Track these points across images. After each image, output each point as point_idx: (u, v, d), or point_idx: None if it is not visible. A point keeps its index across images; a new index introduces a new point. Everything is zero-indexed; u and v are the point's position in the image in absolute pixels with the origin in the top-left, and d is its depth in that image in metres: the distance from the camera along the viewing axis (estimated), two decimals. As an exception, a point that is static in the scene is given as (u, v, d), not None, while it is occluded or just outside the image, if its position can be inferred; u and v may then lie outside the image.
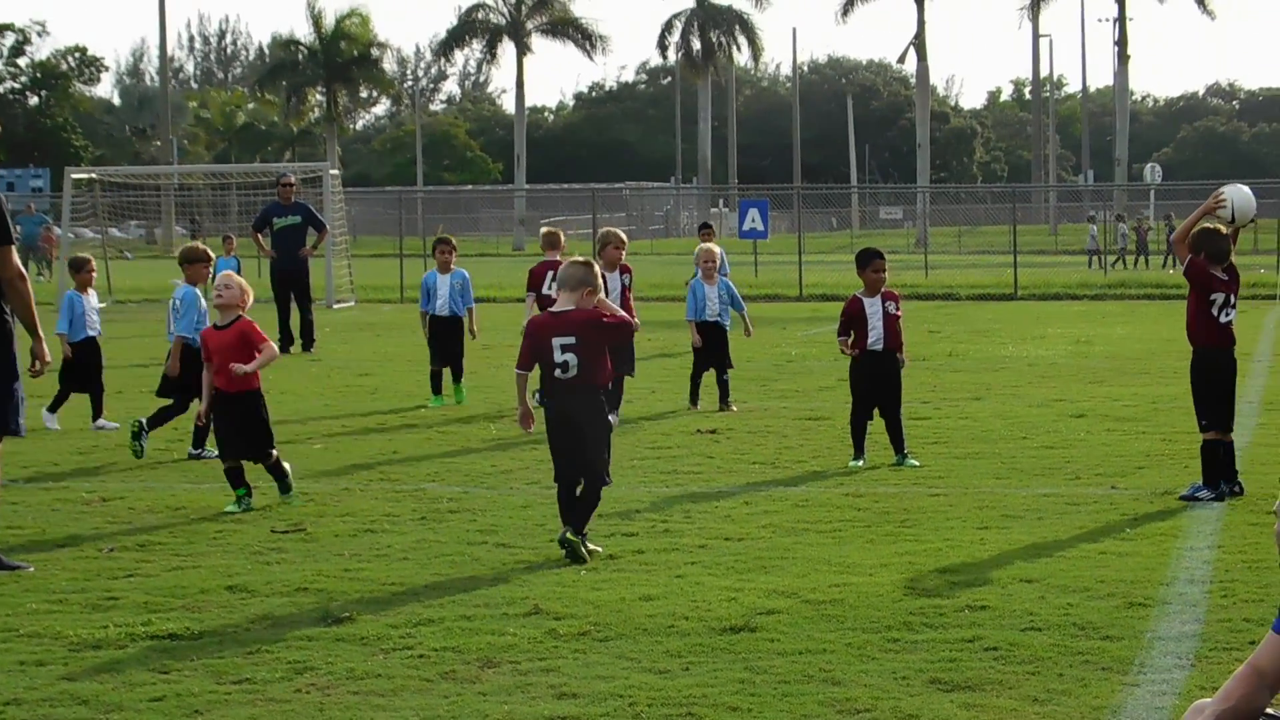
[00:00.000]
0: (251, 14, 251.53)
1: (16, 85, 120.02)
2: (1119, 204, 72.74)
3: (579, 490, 10.40)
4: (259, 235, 28.01)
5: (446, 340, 18.95)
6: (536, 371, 10.52)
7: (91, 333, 17.27)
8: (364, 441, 15.98)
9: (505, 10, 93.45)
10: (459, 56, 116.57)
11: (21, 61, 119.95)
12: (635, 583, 9.49)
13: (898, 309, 14.28)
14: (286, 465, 12.51)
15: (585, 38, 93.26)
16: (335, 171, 45.08)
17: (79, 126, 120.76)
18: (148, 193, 58.11)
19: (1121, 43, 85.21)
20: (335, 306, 38.62)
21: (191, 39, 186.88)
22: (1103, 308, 37.11)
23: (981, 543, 10.57)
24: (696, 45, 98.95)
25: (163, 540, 11.03)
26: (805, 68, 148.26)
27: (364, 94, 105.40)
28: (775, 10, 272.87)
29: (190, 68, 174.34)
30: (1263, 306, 34.63)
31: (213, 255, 15.74)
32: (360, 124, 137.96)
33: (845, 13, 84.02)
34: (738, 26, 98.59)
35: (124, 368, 22.12)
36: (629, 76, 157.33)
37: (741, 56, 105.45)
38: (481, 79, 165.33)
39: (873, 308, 14.15)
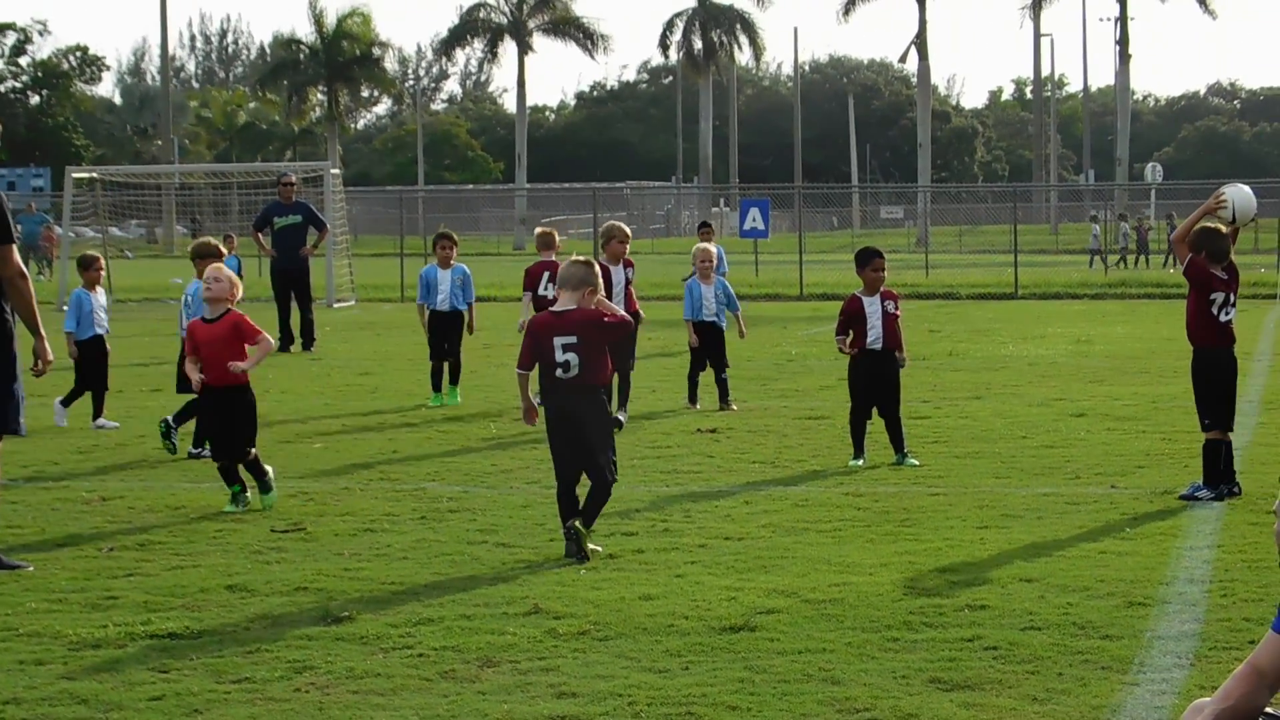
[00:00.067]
0: (253, 13, 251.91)
1: (18, 84, 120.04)
2: (1120, 203, 72.74)
3: (587, 489, 10.41)
4: (259, 234, 28.01)
5: (447, 335, 18.97)
6: (536, 372, 10.53)
7: (99, 331, 17.29)
8: (364, 440, 15.98)
9: (507, 9, 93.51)
10: (460, 56, 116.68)
11: (23, 61, 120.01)
12: (635, 582, 9.50)
13: (897, 308, 14.28)
14: (268, 467, 12.38)
15: (587, 37, 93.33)
16: (336, 171, 45.09)
17: (80, 126, 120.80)
18: (148, 192, 58.14)
19: (1123, 42, 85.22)
20: (336, 306, 38.63)
21: (193, 38, 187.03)
22: (1103, 307, 37.11)
23: (981, 542, 10.57)
24: (698, 44, 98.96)
25: (162, 539, 11.03)
26: (806, 67, 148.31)
27: (365, 93, 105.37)
28: (776, 9, 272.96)
29: (191, 67, 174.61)
30: (1263, 306, 34.63)
31: (225, 251, 15.73)
32: (361, 123, 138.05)
33: (846, 12, 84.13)
34: (739, 26, 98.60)
35: (124, 367, 22.09)
36: (630, 76, 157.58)
37: (743, 56, 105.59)
38: (483, 78, 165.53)
39: (872, 307, 14.15)
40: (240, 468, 12.23)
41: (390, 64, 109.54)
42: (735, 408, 17.99)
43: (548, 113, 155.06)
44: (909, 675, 7.50)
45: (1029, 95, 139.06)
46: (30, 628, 8.58)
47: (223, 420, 12.26)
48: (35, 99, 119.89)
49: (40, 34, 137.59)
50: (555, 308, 10.54)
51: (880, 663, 7.72)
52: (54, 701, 7.30)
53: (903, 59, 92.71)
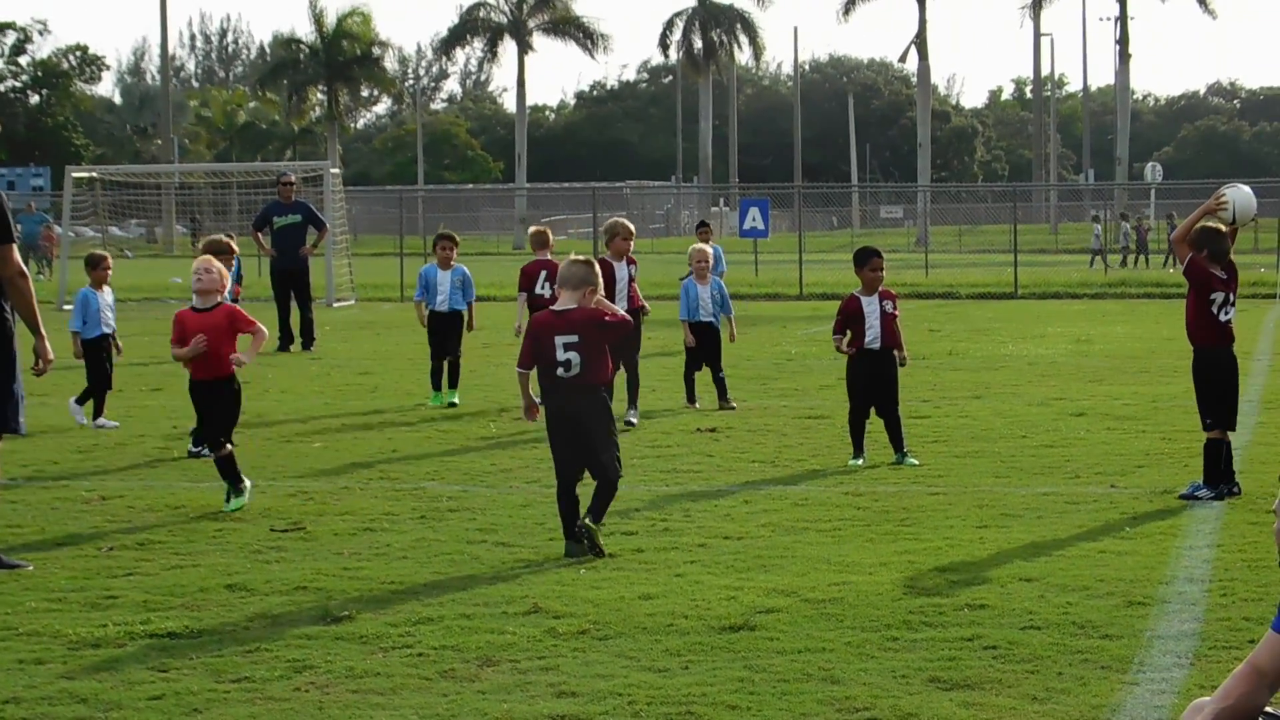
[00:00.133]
0: (253, 13, 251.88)
1: (17, 84, 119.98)
2: (1120, 203, 72.75)
3: (588, 488, 10.41)
4: (259, 234, 28.00)
5: (447, 336, 18.95)
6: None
7: (106, 330, 17.30)
8: (363, 440, 15.98)
9: (507, 9, 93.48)
10: (460, 55, 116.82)
11: (23, 60, 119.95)
12: (635, 581, 9.49)
13: (895, 308, 14.27)
14: (246, 483, 12.09)
15: (586, 36, 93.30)
16: (336, 170, 45.09)
17: (80, 125, 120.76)
18: (148, 191, 58.16)
19: (1123, 42, 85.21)
20: (335, 305, 38.63)
21: (193, 37, 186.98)
22: (1102, 306, 37.11)
23: (981, 541, 10.57)
24: (698, 44, 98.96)
25: (162, 539, 11.03)
26: (806, 67, 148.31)
27: (365, 93, 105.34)
28: (776, 9, 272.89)
29: (191, 66, 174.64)
30: (1263, 306, 34.63)
31: (236, 249, 15.69)
32: (361, 123, 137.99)
33: (846, 12, 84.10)
34: (739, 25, 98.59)
35: (124, 366, 22.04)
36: (630, 75, 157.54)
37: (743, 55, 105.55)
38: (482, 78, 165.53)
39: (870, 306, 14.15)
40: (237, 459, 12.16)
41: (390, 63, 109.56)
42: (735, 405, 18.00)
43: (548, 112, 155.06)
44: (908, 674, 7.50)
45: (1029, 95, 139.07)
46: (30, 627, 8.58)
47: (204, 411, 12.16)
48: (35, 98, 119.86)
49: (40, 33, 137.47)
50: (556, 307, 10.54)
51: (880, 662, 7.72)
52: (53, 701, 7.30)
53: (902, 58, 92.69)
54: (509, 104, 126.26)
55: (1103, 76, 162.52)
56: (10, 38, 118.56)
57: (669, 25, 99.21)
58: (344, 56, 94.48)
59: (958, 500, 12.18)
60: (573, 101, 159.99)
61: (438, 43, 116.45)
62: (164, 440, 15.70)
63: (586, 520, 10.25)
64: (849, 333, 14.20)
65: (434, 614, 8.75)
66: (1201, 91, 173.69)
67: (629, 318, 11.10)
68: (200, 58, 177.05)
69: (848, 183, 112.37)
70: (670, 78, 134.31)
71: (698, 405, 18.13)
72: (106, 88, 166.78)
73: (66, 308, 34.95)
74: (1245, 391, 13.87)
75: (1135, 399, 18.37)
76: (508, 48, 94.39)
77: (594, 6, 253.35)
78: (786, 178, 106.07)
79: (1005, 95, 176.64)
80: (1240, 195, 12.23)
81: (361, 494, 12.79)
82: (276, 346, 25.77)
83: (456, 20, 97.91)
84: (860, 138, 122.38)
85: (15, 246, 10.11)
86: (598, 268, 10.59)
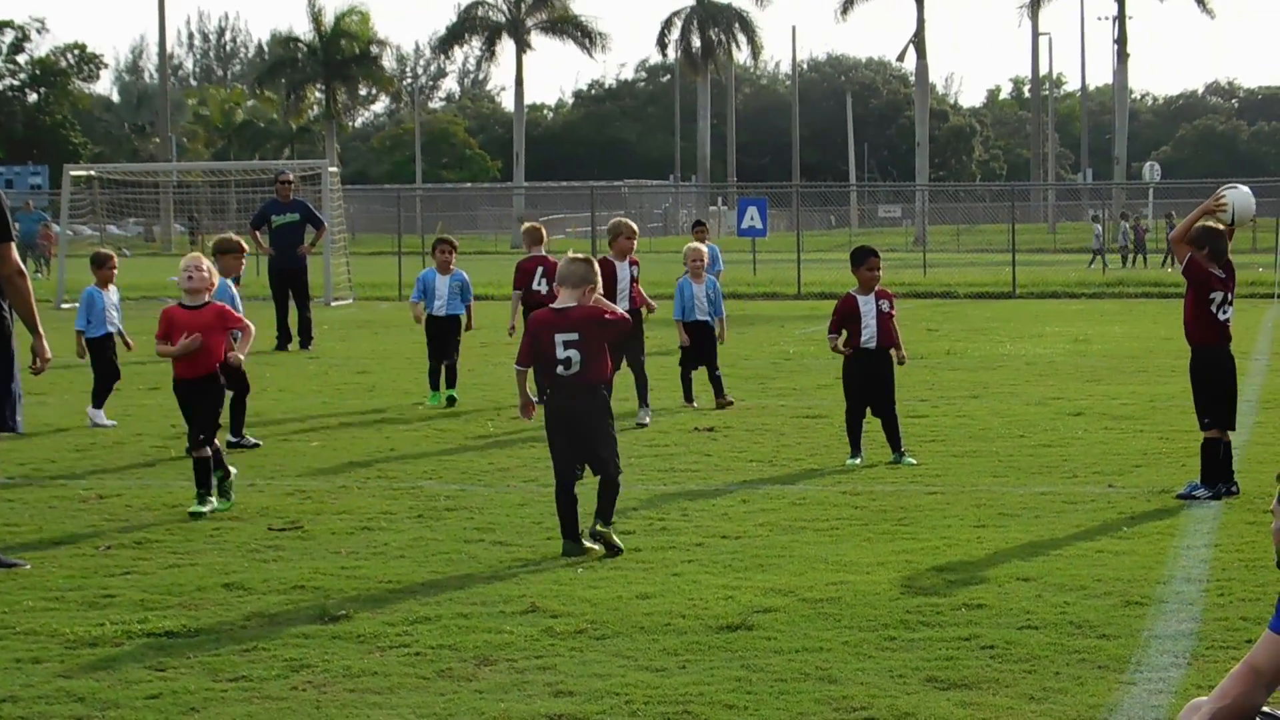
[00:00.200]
0: (251, 11, 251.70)
1: (15, 82, 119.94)
2: (1118, 203, 72.75)
3: (587, 489, 10.41)
4: (257, 233, 27.96)
5: (445, 340, 18.91)
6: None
7: (111, 329, 17.31)
8: (361, 439, 15.97)
9: (505, 8, 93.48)
10: (458, 54, 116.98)
11: (20, 58, 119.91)
12: (632, 581, 9.49)
13: (891, 308, 14.27)
14: (220, 475, 12.04)
15: (585, 35, 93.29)
16: (334, 169, 45.07)
17: (78, 123, 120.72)
18: (146, 190, 58.15)
19: (1121, 41, 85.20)
20: (333, 304, 38.61)
21: (191, 36, 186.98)
22: (1101, 306, 37.12)
23: (978, 541, 10.57)
24: (696, 43, 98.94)
25: (159, 538, 11.03)
26: (804, 66, 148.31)
27: (363, 91, 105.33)
28: (775, 8, 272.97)
29: (189, 65, 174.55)
30: (1261, 305, 34.63)
31: (246, 248, 15.66)
32: (359, 121, 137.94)
33: (845, 11, 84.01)
34: (737, 24, 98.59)
35: (122, 365, 22.04)
36: (628, 74, 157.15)
37: (741, 54, 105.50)
38: (481, 76, 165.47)
39: (866, 306, 14.15)
40: (223, 452, 12.12)
41: (388, 62, 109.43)
42: (732, 400, 18.00)
43: (546, 111, 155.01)
44: (906, 674, 7.50)
45: (1027, 94, 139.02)
46: (27, 626, 8.58)
47: (189, 409, 12.06)
48: (33, 97, 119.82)
49: (38, 32, 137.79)
50: (555, 305, 10.53)
51: (877, 661, 7.72)
52: (50, 700, 7.30)
53: (901, 58, 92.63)
54: (507, 103, 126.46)
55: (1101, 76, 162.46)
56: (8, 36, 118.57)
57: (667, 24, 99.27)
58: (342, 55, 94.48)
59: (955, 500, 12.18)
60: (571, 100, 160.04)
61: (436, 41, 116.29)
62: (161, 439, 15.70)
63: (597, 525, 10.25)
64: (844, 332, 14.21)
65: (431, 613, 8.75)
66: (1200, 91, 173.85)
67: (628, 316, 11.11)
68: (198, 56, 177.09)
69: (846, 182, 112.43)
70: (668, 77, 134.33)
71: (695, 404, 18.13)
72: (104, 86, 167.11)
73: (64, 306, 35.01)
74: (1243, 391, 13.87)
75: (1133, 398, 18.37)
76: (506, 47, 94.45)
77: (592, 5, 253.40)
78: (784, 177, 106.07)
79: (1003, 94, 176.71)
80: (1239, 196, 12.23)
81: (359, 493, 12.79)
82: (275, 346, 25.77)
83: (455, 19, 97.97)
84: (858, 137, 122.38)
85: (13, 245, 10.11)
86: (597, 266, 10.59)
